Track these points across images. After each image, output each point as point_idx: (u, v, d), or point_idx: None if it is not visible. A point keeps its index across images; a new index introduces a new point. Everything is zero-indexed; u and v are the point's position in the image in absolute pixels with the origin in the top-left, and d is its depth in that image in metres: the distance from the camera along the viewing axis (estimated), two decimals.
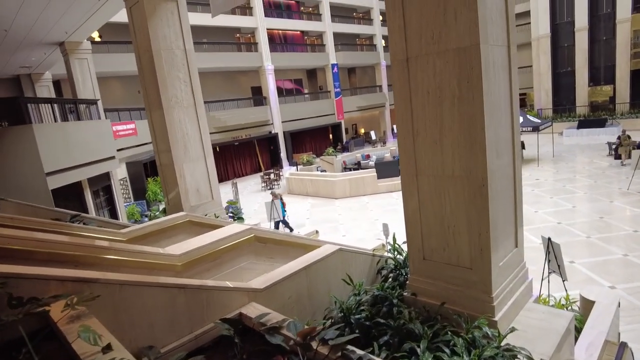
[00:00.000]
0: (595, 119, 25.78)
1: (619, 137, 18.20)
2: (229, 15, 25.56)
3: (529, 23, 31.37)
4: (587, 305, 5.65)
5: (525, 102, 34.06)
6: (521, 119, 18.95)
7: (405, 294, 4.49)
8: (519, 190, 4.27)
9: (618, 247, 9.27)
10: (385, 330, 3.89)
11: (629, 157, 16.42)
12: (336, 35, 31.87)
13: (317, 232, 10.20)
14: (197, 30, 23.78)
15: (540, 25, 29.91)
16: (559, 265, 6.58)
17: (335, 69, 31.19)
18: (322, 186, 17.25)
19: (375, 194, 16.20)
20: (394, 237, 5.37)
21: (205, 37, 25.05)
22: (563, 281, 6.60)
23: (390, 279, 4.99)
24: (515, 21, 4.19)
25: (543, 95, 30.46)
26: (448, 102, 3.82)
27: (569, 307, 5.67)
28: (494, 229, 3.81)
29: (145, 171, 19.47)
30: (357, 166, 20.74)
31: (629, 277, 7.89)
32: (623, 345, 4.82)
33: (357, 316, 4.13)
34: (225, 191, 16.54)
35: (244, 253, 5.70)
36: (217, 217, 8.33)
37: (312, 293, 4.45)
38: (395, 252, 5.30)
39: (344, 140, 32.24)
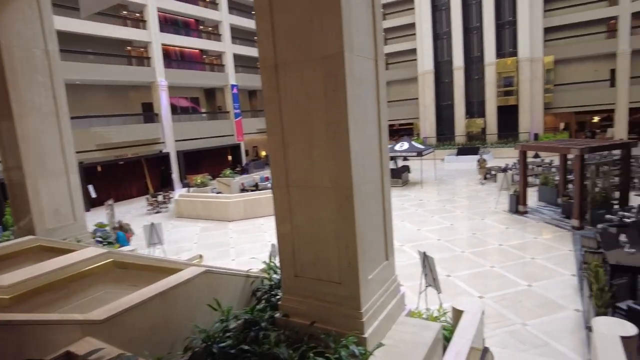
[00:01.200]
0: (470, 147, 29.00)
1: (478, 161, 21.53)
2: (118, 27, 23.81)
3: (416, 59, 34.62)
4: (457, 315, 5.91)
5: (412, 131, 37.14)
6: (407, 145, 20.46)
7: (277, 315, 4.18)
8: (387, 202, 4.29)
9: (486, 260, 10.16)
10: (250, 357, 3.52)
11: (485, 177, 20.60)
12: (237, 57, 31.60)
13: (201, 256, 9.49)
14: (81, 39, 21.75)
15: (425, 62, 33.19)
16: (434, 279, 6.87)
17: (235, 89, 30.77)
18: (215, 208, 16.43)
19: (271, 216, 15.80)
20: (270, 255, 5.08)
21: (91, 47, 22.92)
22: (438, 294, 6.90)
23: (263, 301, 4.65)
24: (383, 37, 4.30)
25: (428, 125, 33.53)
26: (316, 112, 3.71)
27: (442, 319, 5.88)
28: (362, 241, 3.72)
29: (4, 192, 16.69)
30: (255, 188, 20.31)
31: (495, 287, 8.60)
32: (485, 351, 5.08)
33: (221, 344, 3.70)
34: (101, 215, 14.84)
35: (100, 281, 4.92)
36: (79, 241, 7.24)
37: (171, 322, 3.91)
38: (271, 271, 5.00)
39: (244, 162, 31.64)
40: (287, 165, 3.92)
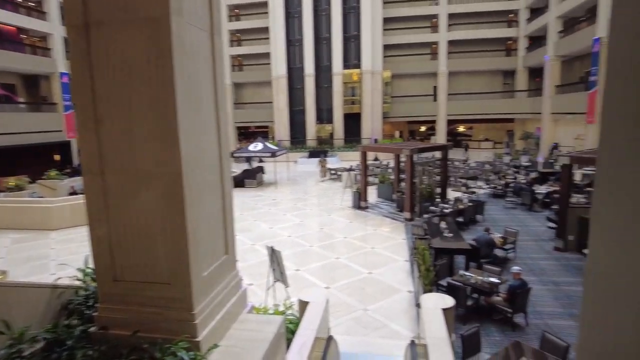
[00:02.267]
0: (320, 150, 30.62)
1: (320, 162, 24.24)
2: None
3: (270, 63, 35.08)
4: (303, 306, 5.91)
5: (267, 134, 37.58)
6: (261, 146, 20.50)
7: (92, 329, 3.45)
8: (228, 190, 3.96)
9: (333, 252, 10.65)
10: None
11: (325, 176, 22.99)
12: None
13: (4, 272, 7.63)
14: None
15: (279, 66, 33.87)
16: (282, 273, 6.80)
17: (66, 78, 26.46)
18: (31, 215, 13.69)
19: None
20: (85, 259, 4.24)
21: None
22: (286, 288, 6.85)
23: (76, 315, 3.82)
24: (221, 13, 3.95)
25: (282, 128, 34.29)
26: (138, 85, 3.15)
27: (288, 312, 5.81)
28: (195, 234, 3.29)
29: None
30: None
31: (340, 277, 9.02)
32: (329, 339, 5.16)
33: None
34: None
35: None
36: None
37: None
38: (88, 278, 4.17)
39: (75, 162, 27.43)
40: (100, 145, 3.26)
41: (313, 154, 30.10)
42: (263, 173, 22.27)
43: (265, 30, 35.41)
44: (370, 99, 32.60)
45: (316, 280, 8.88)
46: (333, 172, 22.38)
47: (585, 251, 9.33)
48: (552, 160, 22.50)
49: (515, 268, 7.04)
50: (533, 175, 17.48)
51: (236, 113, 37.17)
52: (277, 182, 21.53)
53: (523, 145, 30.82)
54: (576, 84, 25.35)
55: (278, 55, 33.70)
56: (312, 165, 27.95)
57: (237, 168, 22.82)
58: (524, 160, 24.32)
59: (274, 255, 6.80)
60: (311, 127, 33.57)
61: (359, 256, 10.44)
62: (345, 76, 32.57)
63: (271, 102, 35.40)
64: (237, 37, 38.41)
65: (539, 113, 28.44)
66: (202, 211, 3.45)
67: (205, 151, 3.58)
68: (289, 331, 5.45)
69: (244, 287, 4.38)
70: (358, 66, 32.55)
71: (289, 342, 5.13)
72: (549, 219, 11.68)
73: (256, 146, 20.35)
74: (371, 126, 32.69)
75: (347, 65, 32.83)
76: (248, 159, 25.82)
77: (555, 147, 25.86)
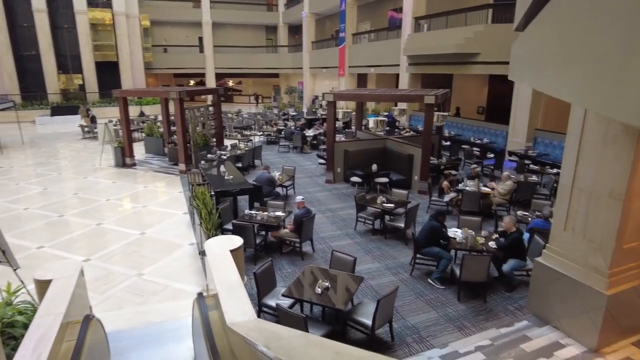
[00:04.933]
0: (68, 106, 25.09)
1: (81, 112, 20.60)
2: None
3: None
4: (44, 287, 4.24)
5: None
6: None
7: None
8: None
9: (93, 219, 8.58)
10: None
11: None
12: None
13: None
14: None
15: None
16: (3, 252, 4.75)
17: None
18: None
19: None
20: None
21: None
22: (14, 270, 4.85)
23: None
24: None
25: (7, 79, 26.23)
26: None
27: (14, 299, 4.04)
28: None
29: None
30: None
31: (103, 245, 7.27)
32: (87, 320, 3.78)
33: None
34: None
35: None
36: None
37: None
38: None
39: None
40: None
41: (57, 110, 24.42)
42: None
43: None
44: (127, 45, 28.25)
45: (70, 255, 6.88)
46: (87, 128, 18.57)
47: (353, 179, 10.35)
48: (314, 110, 24.68)
49: (298, 198, 6.99)
50: (301, 122, 18.63)
51: None
52: (2, 147, 16.34)
53: (288, 99, 32.92)
54: (328, 40, 28.18)
55: None
56: (59, 125, 22.67)
57: None
58: (291, 112, 25.91)
59: None
60: (52, 78, 26.91)
61: (128, 217, 8.75)
62: (92, 17, 27.03)
63: None
64: None
65: (300, 68, 30.62)
66: None
67: None
68: (20, 326, 3.79)
69: None
70: (109, 6, 27.44)
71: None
72: (319, 156, 12.53)
73: None
74: (132, 78, 28.63)
75: (93, 3, 27.22)
76: None
77: (316, 98, 28.54)
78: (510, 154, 12.66)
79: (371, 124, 10.60)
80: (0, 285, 4.31)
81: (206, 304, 4.14)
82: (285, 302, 4.68)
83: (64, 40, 27.18)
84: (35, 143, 17.87)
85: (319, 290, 4.57)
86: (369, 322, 4.35)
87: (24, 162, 14.28)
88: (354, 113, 14.09)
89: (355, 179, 10.17)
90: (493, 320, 4.98)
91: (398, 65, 19.54)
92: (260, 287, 4.84)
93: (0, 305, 3.84)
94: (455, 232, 6.16)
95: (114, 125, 15.89)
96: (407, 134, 14.52)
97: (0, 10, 25.38)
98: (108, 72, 27.86)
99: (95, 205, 9.50)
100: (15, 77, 26.41)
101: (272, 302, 4.81)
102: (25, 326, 3.74)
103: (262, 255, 6.68)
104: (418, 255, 6.06)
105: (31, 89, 26.75)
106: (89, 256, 6.80)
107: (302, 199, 6.97)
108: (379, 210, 7.61)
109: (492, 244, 5.84)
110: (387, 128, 13.80)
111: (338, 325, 4.85)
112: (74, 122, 21.74)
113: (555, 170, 10.33)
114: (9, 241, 4.93)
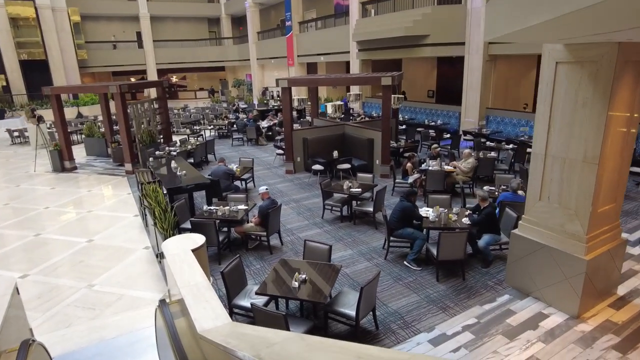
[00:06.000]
0: None
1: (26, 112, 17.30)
2: None
3: None
4: None
5: None
6: None
7: None
8: None
9: (30, 229, 7.64)
10: None
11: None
12: None
13: None
14: None
15: None
16: None
17: None
18: None
19: None
20: None
21: None
22: None
23: None
24: None
25: None
26: None
27: None
28: None
29: None
30: None
31: (44, 257, 6.45)
32: (24, 346, 3.18)
33: None
34: None
35: None
36: None
37: None
38: None
39: None
40: None
41: None
42: None
43: None
44: (57, 43, 26.00)
45: (3, 272, 6.03)
46: (17, 133, 16.85)
47: (314, 167, 10.00)
48: (265, 101, 24.02)
49: (262, 188, 6.53)
50: (254, 113, 17.96)
51: None
52: None
53: (237, 93, 31.91)
54: (274, 30, 27.49)
55: None
56: None
57: None
58: (241, 104, 25.08)
59: None
60: None
61: (72, 225, 7.88)
62: (10, 9, 24.54)
63: None
64: None
65: (247, 59, 29.72)
66: None
67: None
68: None
69: None
70: None
71: None
72: (277, 147, 12.06)
73: None
74: (66, 77, 26.42)
75: None
76: None
77: (266, 89, 27.83)
78: (465, 133, 12.86)
79: (329, 110, 10.29)
80: None
81: (170, 311, 3.65)
82: (259, 301, 4.28)
83: None
84: None
85: (295, 284, 4.20)
86: (352, 312, 4.05)
87: None
88: (309, 102, 13.72)
89: (316, 166, 9.84)
90: (475, 298, 4.85)
91: (348, 52, 19.37)
92: (230, 287, 4.39)
93: None
94: (427, 212, 6.00)
95: (48, 128, 14.51)
96: (362, 120, 14.39)
97: None
98: (37, 72, 25.50)
99: (32, 214, 8.49)
100: None
101: (244, 302, 4.38)
102: None
103: (226, 253, 6.19)
104: (392, 238, 5.84)
105: None
106: (27, 271, 5.98)
107: (266, 189, 6.52)
108: (346, 196, 7.34)
109: (465, 220, 5.73)
110: (342, 115, 13.57)
111: (318, 319, 4.52)
112: (1, 127, 19.71)
113: (511, 146, 10.56)
114: None
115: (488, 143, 11.21)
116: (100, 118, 18.12)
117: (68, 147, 11.85)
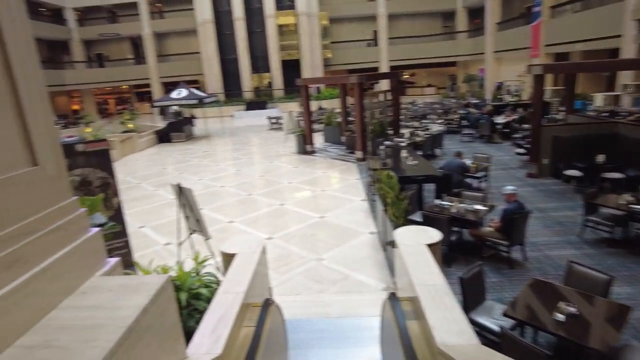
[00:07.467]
0: (258, 101, 28.00)
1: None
2: None
3: (193, 9, 31.02)
4: (228, 261, 3.99)
5: (199, 89, 33.95)
6: (186, 92, 17.67)
7: None
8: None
9: (276, 199, 8.72)
10: None
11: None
12: None
13: None
14: None
15: (204, 10, 30.01)
16: (197, 220, 4.77)
17: None
18: None
19: None
20: None
21: None
22: (206, 240, 4.84)
23: None
24: None
25: (214, 80, 30.91)
26: None
27: (203, 271, 3.84)
28: None
29: None
30: None
31: (285, 225, 7.16)
32: (266, 305, 3.29)
33: None
34: None
35: None
36: None
37: None
38: None
39: None
40: None
41: (250, 106, 27.46)
42: (192, 125, 19.52)
43: None
44: (309, 44, 30.02)
45: (254, 231, 6.95)
46: (274, 120, 20.12)
47: (568, 172, 8.17)
48: (499, 97, 21.74)
49: (509, 188, 5.49)
50: (488, 108, 16.31)
51: (161, 67, 33.19)
52: (210, 135, 18.94)
53: (467, 88, 30.13)
54: (517, 19, 24.52)
55: None
56: (251, 118, 25.38)
57: (164, 124, 19.90)
58: (473, 100, 23.45)
59: (183, 197, 4.73)
60: (247, 77, 30.51)
61: (307, 200, 8.62)
62: (279, 18, 29.56)
63: (199, 53, 31.70)
64: None
65: (482, 53, 27.58)
66: None
67: None
68: (204, 299, 3.53)
69: (91, 232, 2.29)
70: (292, 7, 29.59)
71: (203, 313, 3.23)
72: (518, 145, 10.48)
73: (179, 93, 17.49)
74: (312, 74, 30.26)
75: (280, 6, 29.74)
76: (179, 112, 22.48)
77: (500, 85, 25.25)
78: None
79: (598, 102, 8.15)
80: (192, 253, 4.24)
81: (401, 308, 3.20)
82: (506, 324, 3.43)
83: (257, 43, 30.44)
84: (232, 133, 20.26)
85: (560, 317, 3.17)
86: None
87: (223, 148, 16.16)
88: (556, 98, 11.43)
89: (571, 172, 7.96)
90: None
91: (619, 36, 15.39)
92: (468, 297, 3.69)
93: (187, 275, 3.66)
94: None
95: (295, 117, 16.69)
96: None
97: (211, 22, 29.86)
98: (291, 70, 30.09)
99: (279, 187, 9.75)
100: (221, 78, 30.78)
101: (485, 321, 3.61)
102: (209, 300, 3.45)
103: (456, 256, 5.49)
104: None
105: (231, 88, 30.83)
106: (271, 234, 6.71)
107: (514, 190, 5.45)
108: (622, 213, 5.54)
109: None
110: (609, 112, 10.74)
111: None
112: (262, 116, 24.05)
113: None
114: (205, 214, 4.95)
115: None
116: (337, 110, 19.88)
117: (310, 133, 13.26)
